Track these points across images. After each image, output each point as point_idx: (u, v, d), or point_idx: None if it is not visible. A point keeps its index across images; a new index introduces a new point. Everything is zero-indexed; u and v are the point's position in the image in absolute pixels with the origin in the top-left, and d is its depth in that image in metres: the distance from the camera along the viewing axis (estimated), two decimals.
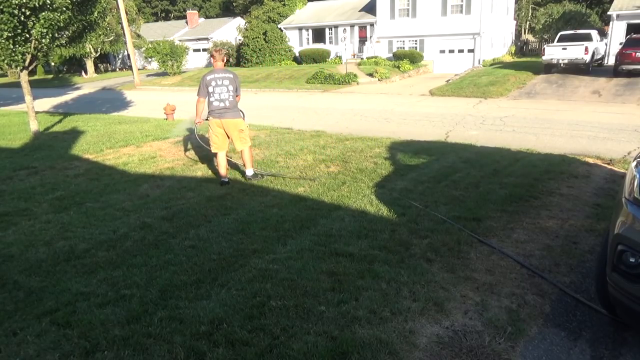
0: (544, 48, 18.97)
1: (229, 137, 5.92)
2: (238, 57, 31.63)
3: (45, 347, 2.66)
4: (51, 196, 5.68)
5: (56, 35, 9.82)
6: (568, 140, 8.58)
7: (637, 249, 2.37)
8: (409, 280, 3.26)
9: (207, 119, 5.88)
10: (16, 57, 9.45)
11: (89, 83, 31.88)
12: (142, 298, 3.13)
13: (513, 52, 30.11)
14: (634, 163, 2.96)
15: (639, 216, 2.47)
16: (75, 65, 40.90)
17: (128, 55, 33.50)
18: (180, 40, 34.59)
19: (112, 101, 19.50)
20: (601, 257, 2.78)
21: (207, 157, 7.49)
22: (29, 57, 9.80)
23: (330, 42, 30.44)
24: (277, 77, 24.09)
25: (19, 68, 9.98)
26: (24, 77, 10.27)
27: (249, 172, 6.04)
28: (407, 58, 24.73)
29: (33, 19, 9.06)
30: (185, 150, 8.18)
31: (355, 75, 21.53)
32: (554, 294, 3.11)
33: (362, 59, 26.93)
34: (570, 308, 2.96)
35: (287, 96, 19.02)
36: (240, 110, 5.95)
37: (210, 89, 5.67)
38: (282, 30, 31.18)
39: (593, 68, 18.73)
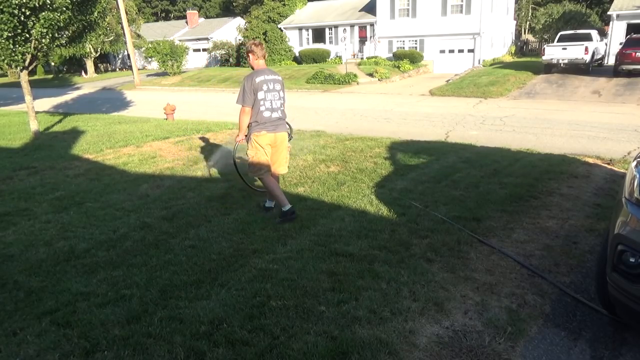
0: (544, 48, 18.97)
1: None
2: (238, 57, 31.65)
3: (45, 347, 2.66)
4: (51, 196, 5.68)
5: (56, 35, 9.82)
6: (568, 140, 8.58)
7: (637, 249, 2.37)
8: (409, 280, 3.26)
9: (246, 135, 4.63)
10: (16, 57, 9.46)
11: (89, 83, 31.89)
12: (142, 298, 3.13)
13: (513, 52, 30.12)
14: (634, 163, 2.96)
15: (639, 216, 2.47)
16: (75, 65, 40.92)
17: (128, 55, 33.52)
18: (180, 40, 34.62)
19: (112, 101, 19.51)
20: (601, 257, 2.78)
21: (207, 157, 7.48)
22: (29, 57, 9.80)
23: (330, 42, 30.44)
24: None
25: (19, 68, 9.98)
26: (24, 77, 10.27)
27: (271, 203, 4.86)
28: (407, 58, 24.74)
29: (33, 19, 9.06)
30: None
31: (355, 75, 21.53)
32: (554, 294, 3.11)
33: (362, 59, 26.95)
34: (570, 308, 2.96)
35: (287, 96, 18.97)
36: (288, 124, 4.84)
37: (261, 95, 4.40)
38: (282, 30, 31.19)
39: (593, 68, 18.73)
